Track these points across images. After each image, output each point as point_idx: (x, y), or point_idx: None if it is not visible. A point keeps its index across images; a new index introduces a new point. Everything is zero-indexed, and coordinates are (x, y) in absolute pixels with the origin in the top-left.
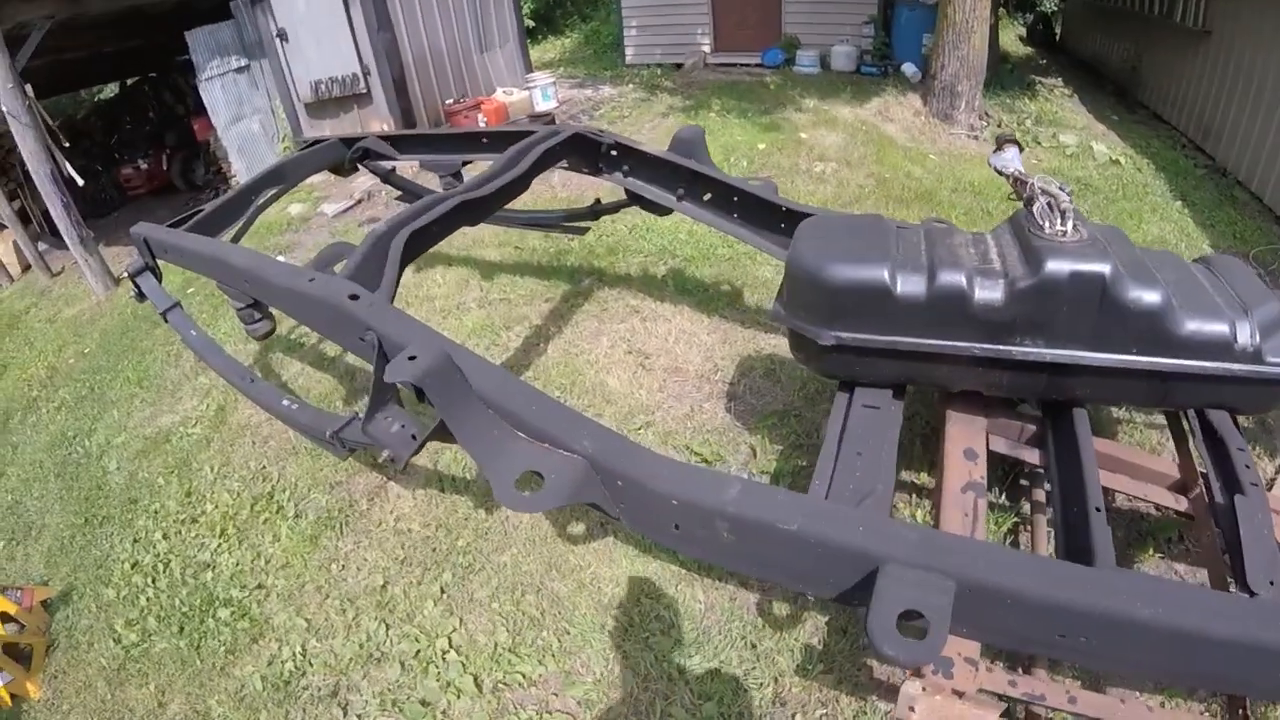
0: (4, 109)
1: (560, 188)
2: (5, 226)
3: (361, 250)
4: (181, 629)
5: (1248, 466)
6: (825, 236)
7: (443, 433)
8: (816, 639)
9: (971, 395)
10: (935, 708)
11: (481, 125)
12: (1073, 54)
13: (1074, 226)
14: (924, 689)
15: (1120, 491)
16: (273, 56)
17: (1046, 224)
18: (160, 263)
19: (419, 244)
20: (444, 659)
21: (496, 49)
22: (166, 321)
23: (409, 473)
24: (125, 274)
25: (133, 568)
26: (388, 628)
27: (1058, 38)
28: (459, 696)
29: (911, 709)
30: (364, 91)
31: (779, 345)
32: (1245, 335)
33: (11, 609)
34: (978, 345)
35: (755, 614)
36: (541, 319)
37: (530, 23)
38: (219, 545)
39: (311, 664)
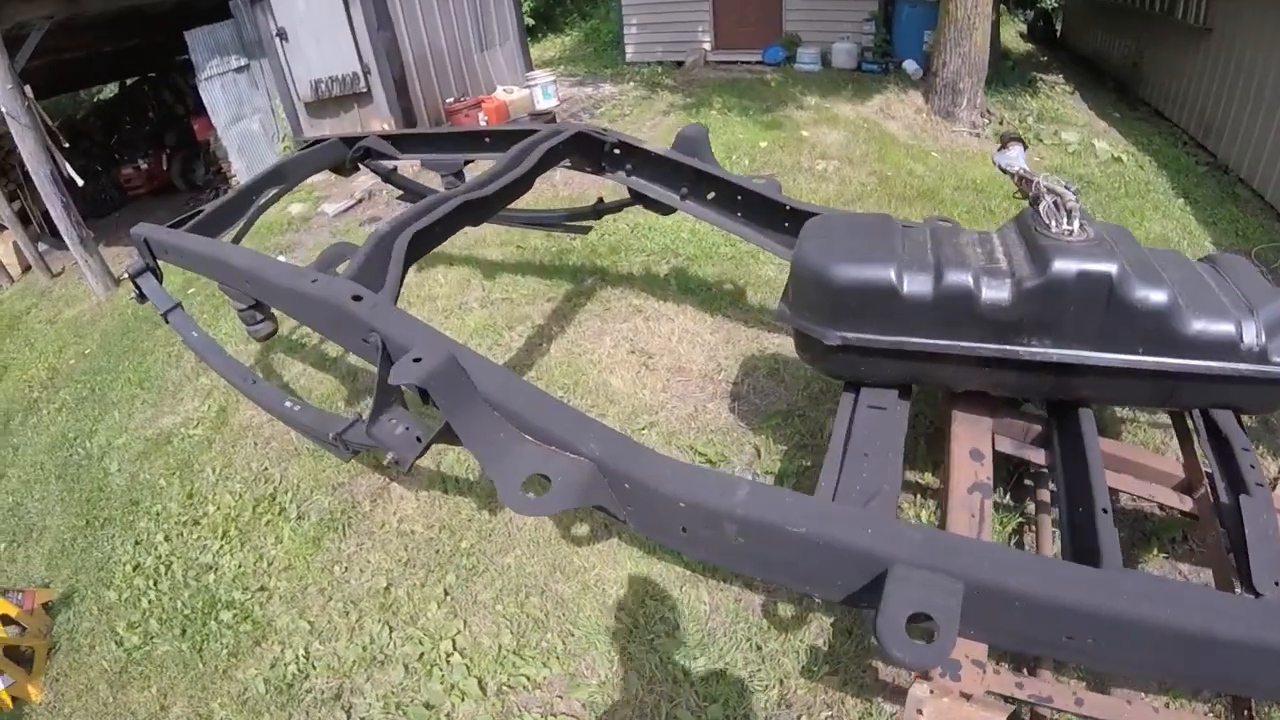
0: (3, 110)
1: (562, 186)
2: (5, 227)
3: (364, 251)
4: (184, 631)
5: (1253, 466)
6: (831, 236)
7: (448, 435)
8: (822, 640)
9: (976, 395)
10: (943, 710)
11: (483, 124)
12: (1074, 51)
13: (1080, 225)
14: (932, 691)
15: (1125, 491)
16: (272, 56)
17: (1053, 223)
18: (161, 263)
19: (422, 244)
20: (448, 661)
21: (497, 47)
22: (167, 322)
23: (412, 474)
24: (126, 275)
25: (134, 570)
26: (391, 630)
27: (1058, 34)
28: (463, 699)
29: (920, 711)
30: (364, 90)
31: (783, 344)
32: (1251, 335)
33: (13, 611)
34: (984, 345)
35: (760, 616)
36: (544, 319)
37: (530, 21)
38: (221, 547)
39: (315, 667)
